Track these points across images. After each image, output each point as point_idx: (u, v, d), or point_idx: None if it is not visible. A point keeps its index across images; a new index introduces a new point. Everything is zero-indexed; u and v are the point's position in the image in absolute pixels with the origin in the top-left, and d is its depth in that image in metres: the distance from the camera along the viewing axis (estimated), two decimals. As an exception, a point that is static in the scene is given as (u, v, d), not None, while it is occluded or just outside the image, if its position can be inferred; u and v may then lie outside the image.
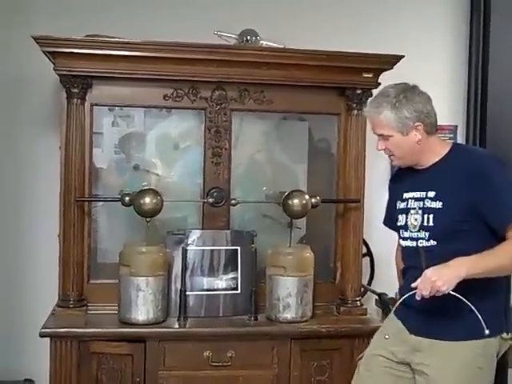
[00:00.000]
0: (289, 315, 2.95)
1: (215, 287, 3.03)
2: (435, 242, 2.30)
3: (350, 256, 3.14)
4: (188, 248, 2.97)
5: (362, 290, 3.36)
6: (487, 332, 2.11)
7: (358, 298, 3.16)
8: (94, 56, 2.83)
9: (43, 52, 2.81)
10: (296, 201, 3.01)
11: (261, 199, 3.27)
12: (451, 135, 3.85)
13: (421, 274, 2.16)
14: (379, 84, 3.07)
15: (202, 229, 3.07)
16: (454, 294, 2.12)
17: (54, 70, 2.84)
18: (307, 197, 3.01)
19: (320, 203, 3.04)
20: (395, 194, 2.54)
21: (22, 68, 3.35)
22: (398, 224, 2.46)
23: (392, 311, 2.41)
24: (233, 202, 3.02)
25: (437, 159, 2.38)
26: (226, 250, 3.05)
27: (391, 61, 3.05)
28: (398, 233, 2.48)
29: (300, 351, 2.91)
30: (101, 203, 3.13)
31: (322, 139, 3.48)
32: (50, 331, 2.78)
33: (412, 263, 2.39)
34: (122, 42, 2.87)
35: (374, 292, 3.56)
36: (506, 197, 2.25)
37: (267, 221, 3.31)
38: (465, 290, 2.13)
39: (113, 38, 2.91)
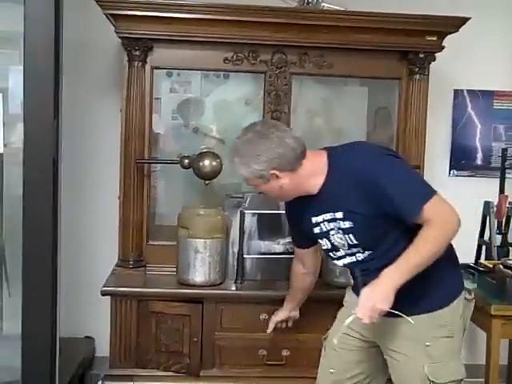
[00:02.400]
0: (345, 279, 2.94)
1: (272, 251, 3.05)
2: (371, 251, 2.24)
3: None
4: (246, 211, 2.99)
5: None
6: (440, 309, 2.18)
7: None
8: (155, 18, 2.85)
9: (105, 14, 2.84)
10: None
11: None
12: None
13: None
14: (443, 47, 3.01)
15: (260, 193, 3.07)
16: (392, 311, 2.05)
17: (115, 32, 2.87)
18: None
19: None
20: (302, 220, 2.39)
21: (85, 31, 3.38)
22: (325, 248, 2.36)
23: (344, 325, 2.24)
24: (291, 166, 3.01)
25: (321, 182, 2.25)
26: (283, 213, 3.05)
27: (456, 23, 2.97)
28: (329, 255, 2.39)
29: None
30: (160, 166, 3.16)
31: (382, 104, 3.44)
32: (111, 290, 2.86)
33: (358, 275, 2.34)
34: (182, 5, 2.87)
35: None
36: (399, 193, 2.12)
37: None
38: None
39: (174, 0, 2.92)
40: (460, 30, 2.98)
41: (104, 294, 2.84)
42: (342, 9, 3.07)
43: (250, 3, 2.88)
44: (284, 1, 3.13)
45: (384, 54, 3.05)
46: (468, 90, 3.67)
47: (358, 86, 3.47)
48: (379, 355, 2.38)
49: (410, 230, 2.14)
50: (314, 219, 2.32)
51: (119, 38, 2.89)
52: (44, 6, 2.29)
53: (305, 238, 2.47)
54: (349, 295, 2.50)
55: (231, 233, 3.02)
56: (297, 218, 2.43)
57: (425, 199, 2.10)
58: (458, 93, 3.73)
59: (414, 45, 2.99)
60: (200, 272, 2.88)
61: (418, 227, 2.13)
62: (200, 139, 3.28)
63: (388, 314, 2.09)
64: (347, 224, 2.22)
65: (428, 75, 3.07)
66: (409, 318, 2.11)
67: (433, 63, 3.08)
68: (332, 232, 2.28)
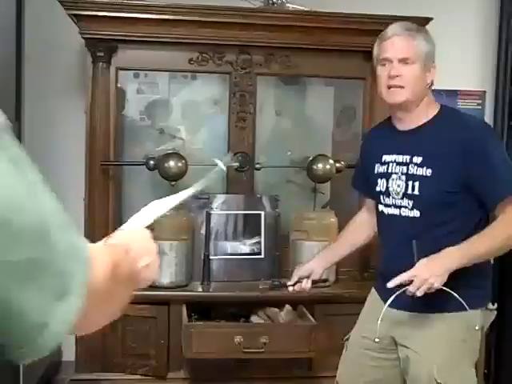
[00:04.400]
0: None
1: (239, 252, 3.05)
2: (418, 213, 2.15)
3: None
4: (212, 212, 2.98)
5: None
6: (469, 311, 2.04)
7: (381, 264, 3.16)
8: (119, 19, 2.83)
9: (68, 15, 2.81)
10: (320, 165, 3.01)
11: (285, 164, 3.27)
12: (479, 101, 3.80)
13: (410, 267, 2.02)
14: (407, 48, 3.03)
15: (226, 193, 3.07)
16: (445, 288, 2.00)
17: (79, 33, 2.84)
18: (331, 161, 3.00)
19: (345, 168, 3.03)
20: (372, 155, 2.34)
21: (49, 31, 3.34)
22: (378, 189, 2.28)
23: (386, 305, 2.14)
24: (257, 166, 3.02)
25: (424, 121, 2.19)
26: (250, 214, 3.06)
27: (419, 23, 2.96)
28: (378, 198, 2.30)
29: (324, 315, 2.92)
30: (126, 167, 3.14)
31: (348, 104, 3.46)
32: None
33: (393, 235, 2.25)
34: (147, 5, 2.86)
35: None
36: (502, 172, 2.10)
37: (291, 186, 3.31)
38: None
39: (138, 0, 2.90)
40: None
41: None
42: (307, 9, 3.08)
43: (214, 4, 2.87)
44: (249, 1, 3.14)
45: (349, 54, 3.07)
46: (432, 90, 3.71)
47: (324, 85, 3.49)
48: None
49: (467, 219, 2.12)
50: (385, 157, 2.26)
51: (83, 38, 2.87)
52: (5, 5, 2.27)
53: (364, 178, 2.40)
54: (371, 298, 2.42)
55: (197, 234, 3.01)
56: (370, 152, 2.36)
57: None
58: (422, 92, 3.76)
59: (377, 45, 3.02)
60: (166, 274, 2.86)
61: (473, 223, 2.11)
62: (166, 140, 3.27)
63: (419, 309, 2.10)
64: (422, 171, 2.13)
65: (392, 75, 3.09)
66: (455, 294, 2.01)
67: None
68: (394, 176, 2.21)
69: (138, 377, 2.87)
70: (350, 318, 2.94)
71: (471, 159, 2.07)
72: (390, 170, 2.24)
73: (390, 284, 2.04)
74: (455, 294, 2.02)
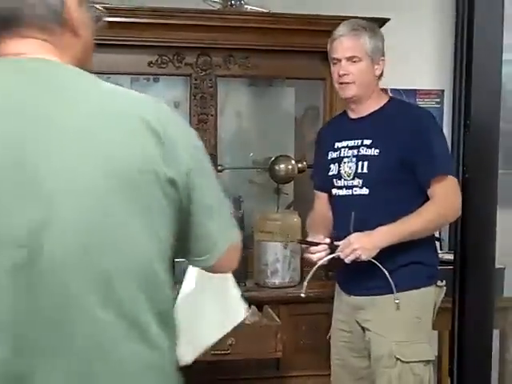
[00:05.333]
0: (277, 280, 2.96)
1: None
2: (368, 191, 2.34)
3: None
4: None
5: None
6: (396, 299, 2.24)
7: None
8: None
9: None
10: (282, 166, 3.03)
11: (248, 165, 3.27)
12: (438, 99, 3.85)
13: (346, 236, 2.24)
14: (365, 48, 3.06)
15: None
16: (373, 261, 2.20)
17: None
18: (293, 162, 3.02)
19: (307, 168, 3.04)
20: (325, 145, 2.53)
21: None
22: (330, 174, 2.45)
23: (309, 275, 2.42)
24: (219, 168, 3.02)
25: (375, 108, 2.41)
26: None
27: (376, 24, 3.02)
28: (330, 182, 2.45)
29: (288, 316, 2.93)
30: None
31: (309, 104, 3.47)
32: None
33: (345, 214, 2.32)
34: (106, 8, 2.81)
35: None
36: (437, 152, 2.31)
37: (254, 187, 3.32)
38: (398, 244, 2.22)
39: (95, 3, 2.87)
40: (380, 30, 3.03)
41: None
42: (266, 11, 3.09)
43: (173, 6, 2.86)
44: (207, 3, 3.13)
45: (308, 55, 3.08)
46: (392, 89, 3.75)
47: (285, 86, 3.50)
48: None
49: (412, 196, 2.30)
50: (337, 144, 2.44)
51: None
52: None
53: (320, 172, 2.54)
54: (337, 296, 2.58)
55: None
56: (324, 143, 2.55)
57: (450, 172, 2.32)
58: (382, 91, 3.80)
59: (336, 45, 3.03)
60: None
61: (417, 199, 2.29)
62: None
63: (375, 292, 2.29)
64: (371, 151, 2.34)
65: (351, 75, 3.11)
66: (383, 269, 2.22)
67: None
68: (346, 159, 2.40)
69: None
70: (315, 318, 2.99)
71: (415, 140, 2.29)
72: (342, 155, 2.42)
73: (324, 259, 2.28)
74: (384, 271, 2.21)
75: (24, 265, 1.04)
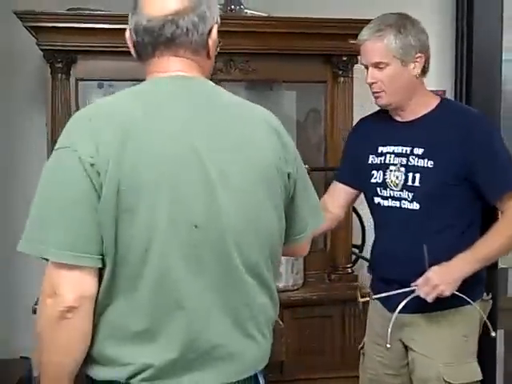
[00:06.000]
0: (280, 284, 2.95)
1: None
2: (418, 206, 2.12)
3: (340, 224, 3.13)
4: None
5: (354, 257, 3.37)
6: (469, 305, 2.09)
7: (348, 265, 3.18)
8: (77, 30, 2.81)
9: (25, 27, 2.78)
10: (284, 170, 3.01)
11: (250, 169, 3.27)
12: (439, 100, 3.84)
13: (421, 271, 2.04)
14: (365, 50, 3.06)
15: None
16: (457, 294, 2.03)
17: (36, 45, 2.82)
18: (295, 166, 3.00)
19: (309, 171, 3.03)
20: (365, 146, 2.31)
21: (6, 43, 3.31)
22: (373, 181, 2.24)
23: (396, 311, 2.16)
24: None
25: (424, 111, 2.16)
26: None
27: (376, 26, 3.02)
28: (374, 190, 2.26)
29: (292, 319, 2.93)
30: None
31: (310, 108, 3.47)
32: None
33: (391, 228, 2.23)
34: (105, 15, 2.84)
35: (365, 259, 3.57)
36: (504, 165, 2.10)
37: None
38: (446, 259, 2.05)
39: (96, 10, 2.88)
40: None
41: (36, 311, 2.76)
42: (265, 15, 3.10)
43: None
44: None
45: (309, 58, 3.09)
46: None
47: (286, 90, 3.50)
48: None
49: (466, 212, 2.12)
50: (382, 148, 2.22)
51: (41, 50, 2.84)
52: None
53: (351, 169, 2.37)
54: (371, 304, 2.42)
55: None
56: (362, 143, 2.32)
57: None
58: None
59: (336, 48, 3.04)
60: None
61: (471, 217, 2.12)
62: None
63: (421, 310, 2.10)
64: (423, 162, 2.11)
65: (352, 77, 3.11)
66: (465, 297, 2.05)
67: (359, 65, 3.12)
68: (392, 167, 2.18)
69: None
70: (318, 321, 2.99)
71: (472, 149, 2.06)
72: (387, 161, 2.21)
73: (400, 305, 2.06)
74: (466, 298, 2.05)
75: (201, 240, 1.38)
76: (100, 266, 1.37)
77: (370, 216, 2.52)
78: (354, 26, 2.98)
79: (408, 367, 2.29)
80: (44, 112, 3.04)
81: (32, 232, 1.38)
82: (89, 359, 1.43)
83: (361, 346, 2.46)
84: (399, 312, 2.11)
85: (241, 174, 1.43)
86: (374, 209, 2.32)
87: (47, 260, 1.37)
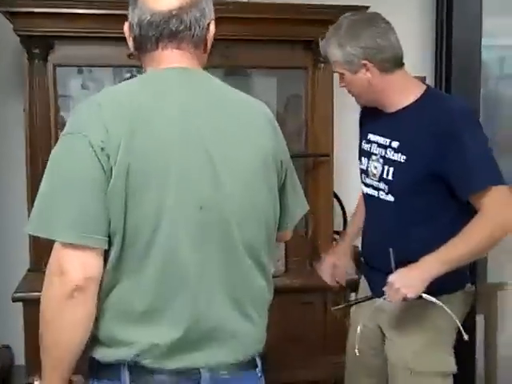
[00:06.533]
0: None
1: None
2: (393, 198, 2.12)
3: (321, 210, 3.15)
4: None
5: (335, 244, 3.37)
6: (441, 305, 2.03)
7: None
8: (55, 15, 2.76)
9: (1, 12, 2.73)
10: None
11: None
12: (420, 86, 3.84)
13: (388, 273, 2.02)
14: (345, 36, 3.04)
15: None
16: (426, 297, 1.99)
17: (13, 31, 2.77)
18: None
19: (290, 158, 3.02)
20: (362, 130, 2.36)
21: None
22: (361, 167, 2.29)
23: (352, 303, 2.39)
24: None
25: (406, 103, 2.13)
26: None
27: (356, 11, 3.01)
28: (360, 176, 2.30)
29: (275, 307, 2.91)
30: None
31: (291, 94, 3.46)
32: (23, 295, 2.77)
33: (372, 216, 2.27)
34: (83, 0, 2.80)
35: (346, 245, 3.57)
36: (476, 162, 2.01)
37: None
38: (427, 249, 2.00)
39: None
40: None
41: (15, 300, 2.76)
42: (245, 0, 3.07)
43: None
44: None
45: (289, 44, 3.07)
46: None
47: (267, 76, 3.48)
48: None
49: (441, 204, 2.07)
50: (370, 136, 2.24)
51: (17, 36, 2.79)
52: None
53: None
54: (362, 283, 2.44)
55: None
56: (361, 127, 2.37)
57: (496, 182, 1.99)
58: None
59: (316, 34, 3.01)
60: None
61: (446, 207, 2.07)
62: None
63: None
64: (397, 157, 2.10)
65: (333, 63, 3.10)
66: (439, 303, 2.01)
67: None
68: (374, 157, 2.20)
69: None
70: (302, 307, 2.99)
71: (446, 148, 2.00)
72: (372, 150, 2.23)
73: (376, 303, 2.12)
74: (436, 301, 2.00)
75: (206, 221, 1.45)
76: (106, 247, 1.42)
77: (351, 202, 2.55)
78: (333, 12, 2.98)
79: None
80: (21, 98, 3.00)
81: (40, 214, 1.43)
82: (94, 341, 1.47)
83: (334, 308, 2.53)
84: (380, 297, 2.10)
85: (243, 159, 1.52)
86: (363, 196, 2.35)
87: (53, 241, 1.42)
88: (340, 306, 2.46)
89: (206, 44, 1.63)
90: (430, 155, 2.03)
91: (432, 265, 1.96)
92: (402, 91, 2.15)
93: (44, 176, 1.45)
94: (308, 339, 3.00)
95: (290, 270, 3.09)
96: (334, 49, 2.13)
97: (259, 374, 1.64)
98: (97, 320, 1.45)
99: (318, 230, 3.16)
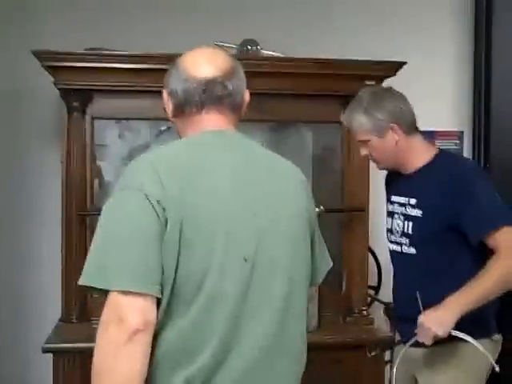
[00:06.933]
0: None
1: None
2: (415, 250, 2.32)
3: (356, 265, 3.11)
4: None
5: (369, 299, 3.32)
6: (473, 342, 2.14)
7: (364, 308, 3.13)
8: (94, 69, 2.82)
9: (43, 67, 2.80)
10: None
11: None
12: (457, 141, 3.82)
13: (416, 319, 2.15)
14: (381, 91, 3.05)
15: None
16: (455, 333, 2.11)
17: (53, 84, 2.83)
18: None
19: (323, 212, 3.00)
20: (386, 193, 2.58)
21: (24, 82, 3.35)
22: (387, 226, 2.50)
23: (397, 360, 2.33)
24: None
25: (420, 165, 2.36)
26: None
27: (393, 67, 3.02)
28: (386, 234, 2.52)
29: (307, 362, 2.86)
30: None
31: (326, 149, 3.46)
32: (53, 346, 2.77)
33: (399, 270, 2.47)
34: (121, 55, 2.86)
35: (380, 301, 3.52)
36: (488, 207, 2.20)
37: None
38: None
39: (112, 50, 2.90)
40: (398, 74, 3.03)
41: (45, 351, 2.75)
42: (282, 55, 3.10)
43: (188, 51, 2.87)
44: (224, 48, 3.14)
45: (325, 99, 3.06)
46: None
47: (302, 129, 3.49)
48: None
49: (459, 253, 2.24)
50: (393, 197, 2.46)
51: (57, 89, 2.85)
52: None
53: None
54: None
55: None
56: (386, 191, 2.58)
57: (508, 222, 2.16)
58: (400, 134, 3.78)
59: (353, 89, 3.01)
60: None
61: (466, 256, 2.23)
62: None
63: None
64: (415, 212, 2.31)
65: (369, 118, 3.09)
66: (469, 337, 2.13)
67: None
68: (396, 216, 2.41)
69: None
70: (332, 365, 2.92)
71: (458, 200, 2.20)
72: (394, 210, 2.45)
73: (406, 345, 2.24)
74: (465, 336, 2.12)
75: (248, 272, 1.52)
76: (160, 295, 1.45)
77: (386, 256, 2.58)
78: (371, 68, 3.01)
79: None
80: (57, 149, 3.04)
81: (96, 266, 1.45)
82: None
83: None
84: (412, 346, 2.23)
85: (285, 218, 1.62)
86: (390, 253, 2.53)
87: (106, 292, 1.43)
88: (375, 353, 2.66)
89: (241, 109, 1.74)
90: (443, 208, 2.23)
91: (455, 305, 2.10)
92: (420, 153, 2.37)
93: (99, 227, 1.49)
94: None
95: (323, 325, 3.03)
96: (361, 117, 2.33)
97: None
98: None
99: (352, 285, 3.11)
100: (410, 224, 2.32)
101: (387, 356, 3.25)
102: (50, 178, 3.30)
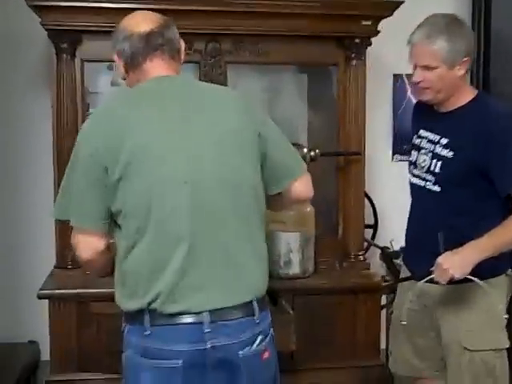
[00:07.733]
0: (290, 271, 2.91)
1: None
2: (439, 188, 2.32)
3: (352, 210, 3.08)
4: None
5: (366, 244, 3.31)
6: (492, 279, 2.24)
7: (360, 253, 3.11)
8: (83, 9, 2.73)
9: (29, 6, 2.71)
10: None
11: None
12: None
13: (436, 254, 2.19)
14: (378, 32, 2.98)
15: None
16: (469, 277, 2.17)
17: (41, 24, 2.75)
18: (305, 150, 2.93)
19: (319, 156, 2.97)
20: (413, 126, 2.54)
21: (10, 23, 3.27)
22: (410, 158, 2.49)
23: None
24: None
25: (459, 104, 2.32)
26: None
27: (390, 7, 2.95)
28: (409, 167, 2.50)
29: (303, 307, 2.87)
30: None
31: (322, 91, 3.40)
32: (48, 293, 2.77)
33: (419, 205, 2.45)
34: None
35: (377, 246, 3.52)
36: None
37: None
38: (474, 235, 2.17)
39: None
40: (395, 14, 2.96)
41: (41, 297, 2.75)
42: (277, -5, 3.01)
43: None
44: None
45: (321, 41, 3.00)
46: (407, 75, 3.65)
47: (297, 73, 3.43)
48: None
49: (486, 196, 2.26)
50: (421, 132, 2.43)
51: (45, 30, 2.77)
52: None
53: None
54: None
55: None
56: (414, 121, 2.56)
57: None
58: (397, 77, 3.73)
59: (349, 30, 2.95)
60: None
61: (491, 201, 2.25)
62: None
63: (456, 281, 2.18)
64: (445, 152, 2.30)
65: (365, 60, 3.03)
66: (481, 282, 2.20)
67: (372, 48, 3.05)
68: (423, 151, 2.39)
69: (116, 375, 2.80)
70: (330, 309, 2.93)
71: (491, 148, 2.20)
72: (421, 145, 2.41)
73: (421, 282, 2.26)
74: (478, 281, 2.19)
75: (190, 191, 1.75)
76: (104, 230, 1.83)
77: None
78: (367, 7, 2.94)
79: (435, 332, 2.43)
80: (49, 93, 2.97)
81: (60, 204, 1.88)
82: (123, 297, 1.84)
83: (390, 311, 2.65)
84: (426, 282, 2.25)
85: (219, 133, 1.82)
86: (410, 186, 2.50)
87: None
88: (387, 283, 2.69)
89: (180, 56, 1.98)
90: (475, 153, 2.22)
91: (475, 250, 2.15)
92: (464, 93, 2.33)
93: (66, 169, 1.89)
94: (336, 341, 2.95)
95: (319, 270, 3.03)
96: (443, 43, 2.22)
97: (257, 321, 1.89)
98: (120, 281, 1.84)
99: (348, 230, 3.09)
100: (439, 163, 2.31)
101: (383, 301, 3.26)
102: (40, 121, 3.25)
